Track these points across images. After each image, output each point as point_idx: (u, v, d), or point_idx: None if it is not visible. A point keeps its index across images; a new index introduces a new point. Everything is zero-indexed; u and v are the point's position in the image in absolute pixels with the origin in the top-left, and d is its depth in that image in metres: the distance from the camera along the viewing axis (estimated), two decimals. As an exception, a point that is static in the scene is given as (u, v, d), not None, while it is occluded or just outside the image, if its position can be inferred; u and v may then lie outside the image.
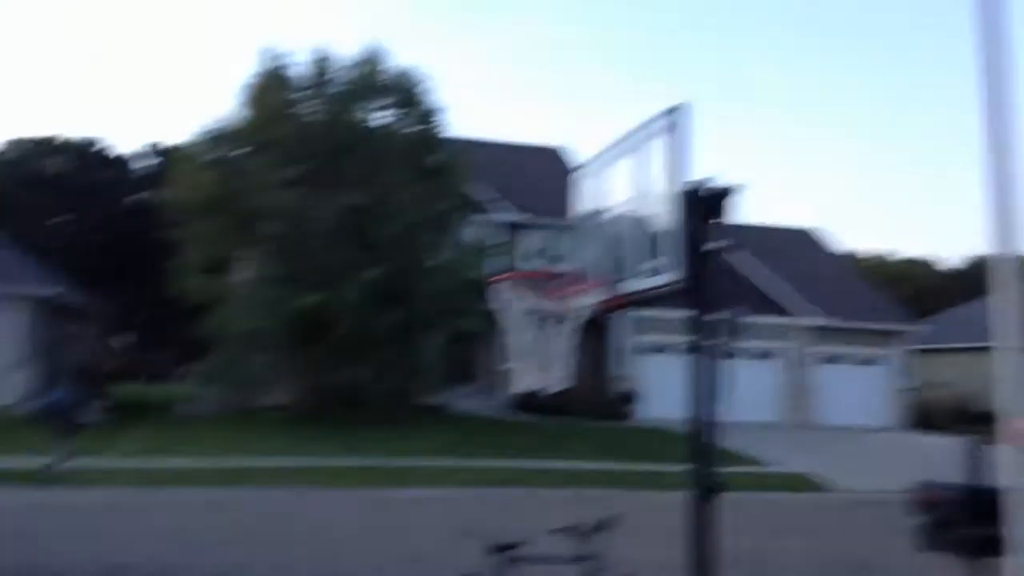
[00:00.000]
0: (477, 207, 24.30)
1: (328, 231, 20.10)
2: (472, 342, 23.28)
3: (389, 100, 22.32)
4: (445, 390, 22.67)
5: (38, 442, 13.98)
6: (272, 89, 21.71)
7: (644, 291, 4.91)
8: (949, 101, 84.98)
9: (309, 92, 22.13)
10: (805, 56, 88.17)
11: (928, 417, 27.48)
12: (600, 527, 6.07)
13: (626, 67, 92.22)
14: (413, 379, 21.06)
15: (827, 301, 27.77)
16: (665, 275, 4.62)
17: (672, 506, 6.08)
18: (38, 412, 17.95)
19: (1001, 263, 4.39)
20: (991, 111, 4.39)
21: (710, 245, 4.58)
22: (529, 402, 22.39)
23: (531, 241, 25.57)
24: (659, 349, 25.09)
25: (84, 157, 40.96)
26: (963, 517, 5.87)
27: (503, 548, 5.76)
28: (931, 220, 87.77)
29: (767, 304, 26.59)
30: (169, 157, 28.92)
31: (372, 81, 22.03)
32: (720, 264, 4.62)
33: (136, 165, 41.36)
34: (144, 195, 31.15)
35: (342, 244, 20.02)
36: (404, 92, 22.19)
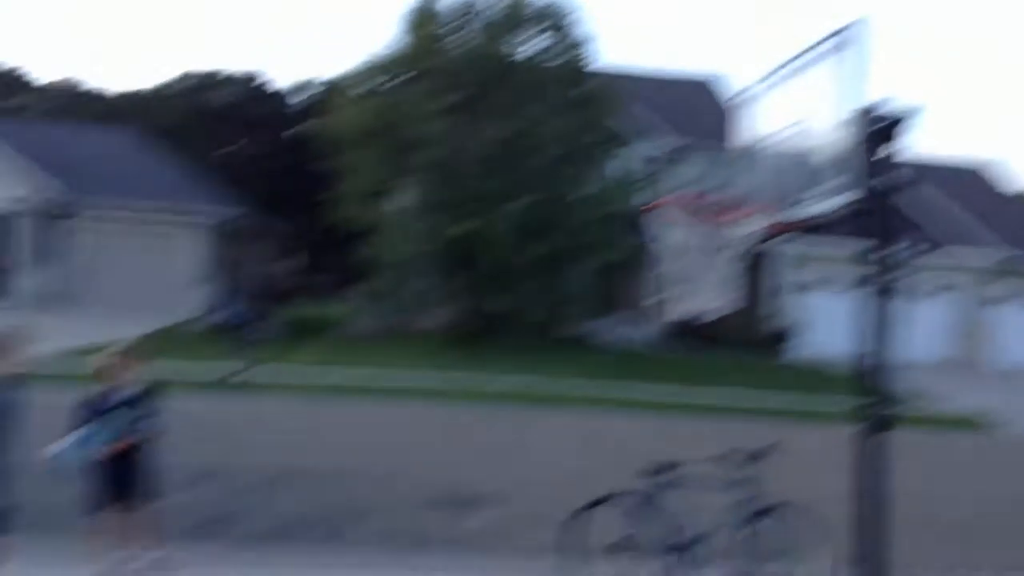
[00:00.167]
0: (626, 139, 23.99)
1: (479, 160, 20.48)
2: (620, 274, 23.27)
3: (537, 31, 22.28)
4: (593, 321, 22.87)
5: (216, 354, 15.26)
6: (426, 21, 22.15)
7: (814, 217, 4.76)
8: None
9: (460, 23, 22.37)
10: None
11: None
12: (756, 456, 6.08)
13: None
14: (559, 309, 21.39)
15: (1006, 238, 26.25)
16: (838, 199, 4.46)
17: (832, 440, 5.98)
18: (216, 326, 19.56)
19: None
20: None
21: (887, 171, 4.39)
22: (681, 333, 22.27)
23: (687, 170, 25.04)
24: (815, 285, 24.47)
25: (247, 90, 43.25)
26: None
27: (660, 470, 5.88)
28: None
29: (943, 238, 25.31)
30: (328, 89, 30.06)
31: (520, 12, 22.08)
32: (896, 192, 4.42)
33: (295, 98, 43.19)
34: (305, 126, 32.57)
35: (492, 174, 20.38)
36: (552, 23, 22.17)
